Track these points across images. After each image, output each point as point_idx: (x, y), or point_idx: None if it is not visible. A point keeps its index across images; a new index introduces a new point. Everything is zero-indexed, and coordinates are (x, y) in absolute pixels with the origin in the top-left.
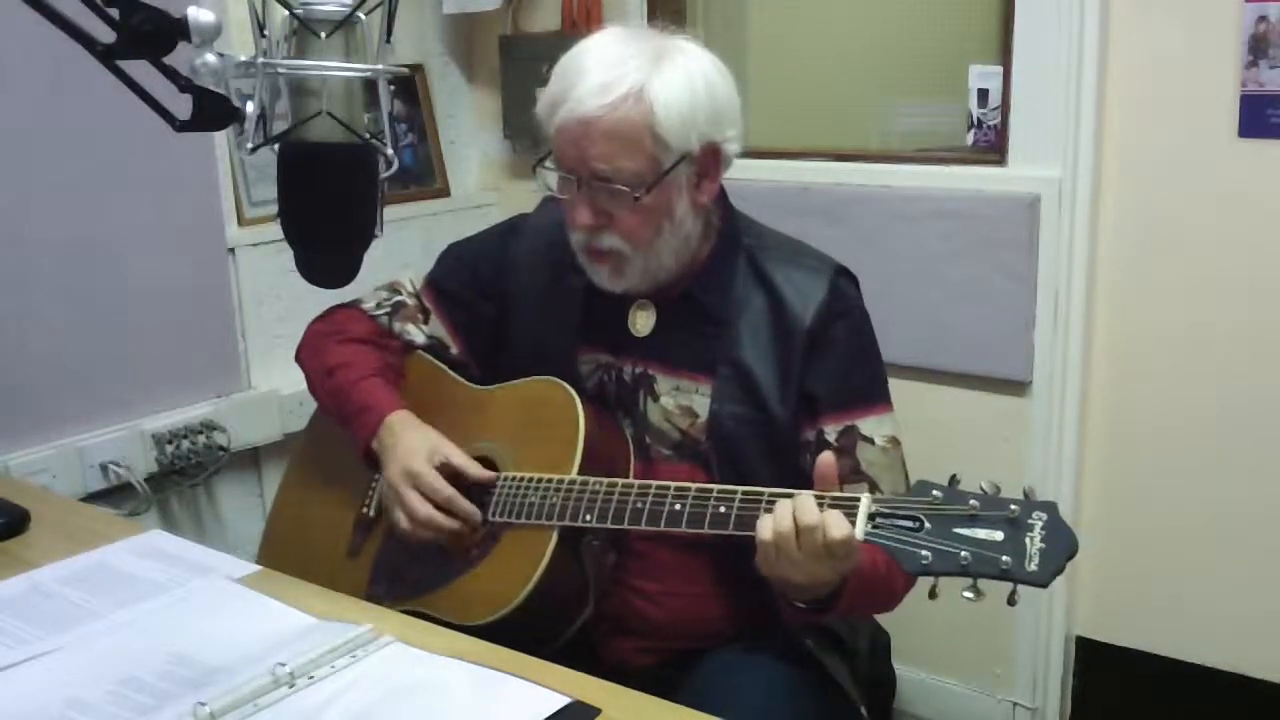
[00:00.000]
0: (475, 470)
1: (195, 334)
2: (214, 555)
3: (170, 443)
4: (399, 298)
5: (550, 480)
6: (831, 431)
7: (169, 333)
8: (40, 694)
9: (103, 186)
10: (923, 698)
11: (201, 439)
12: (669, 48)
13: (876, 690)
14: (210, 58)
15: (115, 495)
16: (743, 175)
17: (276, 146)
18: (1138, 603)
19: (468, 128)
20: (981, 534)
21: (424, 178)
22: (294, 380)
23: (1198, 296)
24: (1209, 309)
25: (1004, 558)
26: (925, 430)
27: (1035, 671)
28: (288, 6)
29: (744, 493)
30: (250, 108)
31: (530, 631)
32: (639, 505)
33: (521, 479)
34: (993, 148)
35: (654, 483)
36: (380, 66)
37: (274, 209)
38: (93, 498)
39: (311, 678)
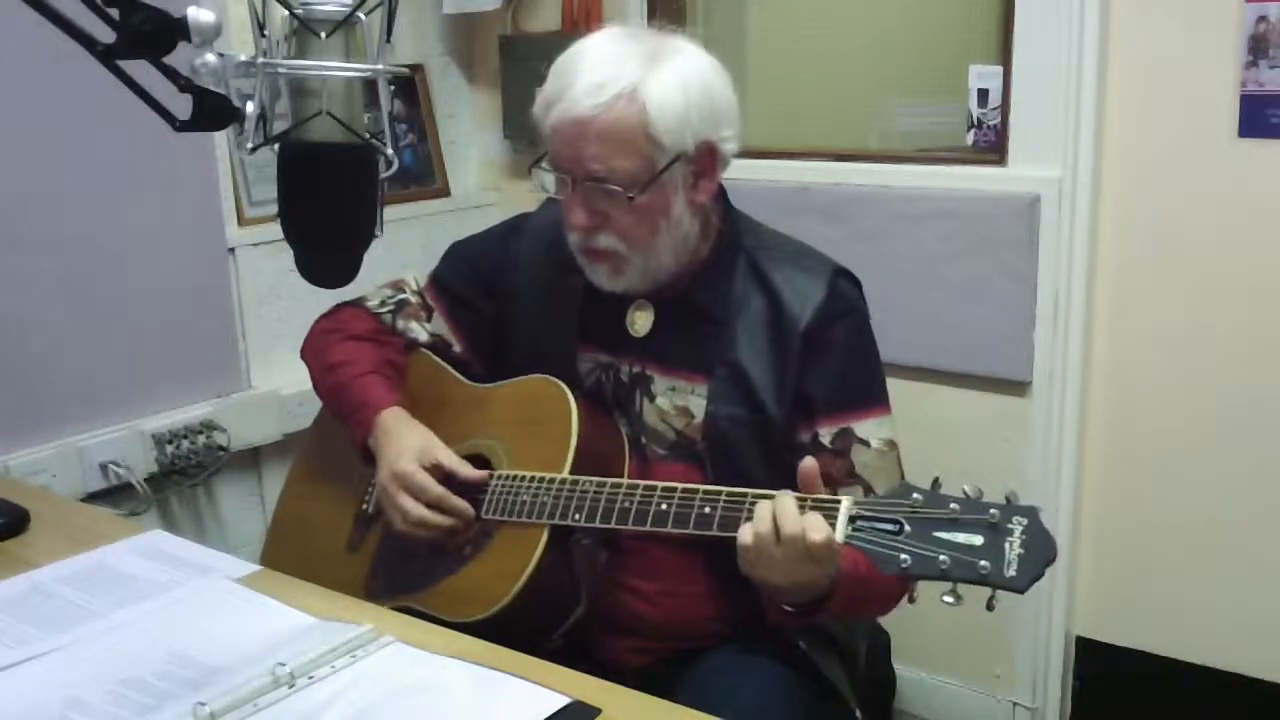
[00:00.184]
0: (465, 470)
1: (195, 334)
2: (214, 555)
3: (170, 443)
4: (402, 296)
5: (542, 479)
6: (827, 434)
7: (169, 333)
8: (40, 694)
9: (103, 186)
10: (923, 698)
11: (201, 439)
12: (665, 48)
13: (876, 690)
14: (210, 58)
15: (115, 495)
16: (743, 175)
17: (276, 146)
18: (1138, 603)
19: (468, 128)
20: (961, 538)
21: (424, 178)
22: (294, 380)
23: (1198, 296)
24: (1209, 309)
25: (982, 562)
26: (925, 430)
27: (1035, 671)
28: (288, 6)
29: (728, 494)
30: (250, 108)
31: (522, 629)
32: (626, 505)
33: (515, 477)
34: (993, 148)
35: (642, 483)
36: (380, 66)
37: (274, 209)
38: (93, 498)
39: (311, 678)
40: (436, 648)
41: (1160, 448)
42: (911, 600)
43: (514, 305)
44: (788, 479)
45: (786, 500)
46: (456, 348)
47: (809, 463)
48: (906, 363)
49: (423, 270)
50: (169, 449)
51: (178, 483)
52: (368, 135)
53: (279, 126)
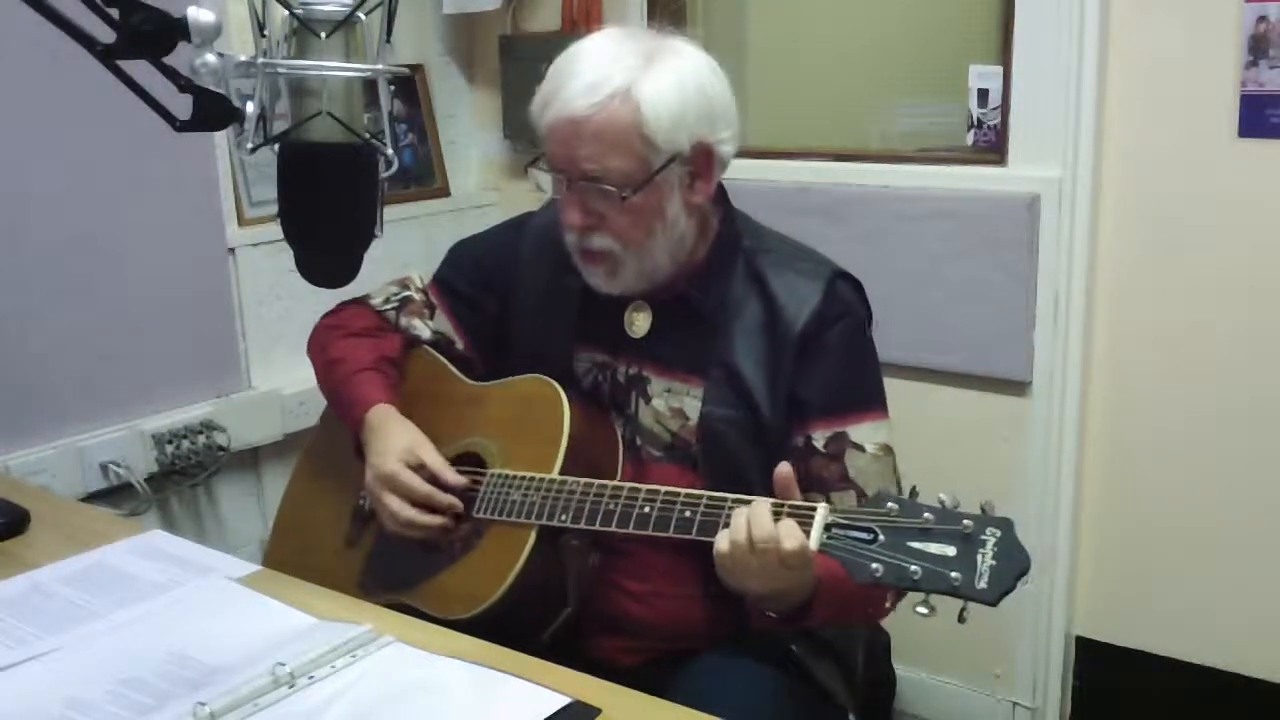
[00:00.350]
0: (448, 475)
1: (195, 334)
2: (214, 555)
3: (170, 443)
4: (406, 293)
5: (532, 479)
6: (820, 437)
7: (169, 333)
8: (40, 694)
9: (103, 186)
10: (923, 698)
11: (201, 439)
12: (662, 48)
13: (876, 691)
14: (210, 58)
15: (115, 495)
16: (742, 175)
17: (276, 146)
18: (1138, 603)
19: (468, 128)
20: (934, 548)
21: (424, 178)
22: (294, 380)
23: (1198, 296)
24: (1209, 309)
25: (954, 574)
26: (925, 430)
27: (1035, 671)
28: (288, 6)
29: (709, 499)
30: (250, 108)
31: (510, 628)
32: (611, 507)
33: (507, 476)
34: (993, 148)
35: (627, 485)
36: (380, 66)
37: (274, 209)
38: (93, 498)
39: (311, 678)
40: (436, 648)
41: (1160, 448)
42: (892, 607)
43: (515, 304)
44: None
45: (761, 507)
46: (459, 345)
47: (784, 468)
48: (906, 362)
49: (425, 270)
50: (169, 449)
51: (178, 483)
52: (368, 135)
53: (279, 126)
